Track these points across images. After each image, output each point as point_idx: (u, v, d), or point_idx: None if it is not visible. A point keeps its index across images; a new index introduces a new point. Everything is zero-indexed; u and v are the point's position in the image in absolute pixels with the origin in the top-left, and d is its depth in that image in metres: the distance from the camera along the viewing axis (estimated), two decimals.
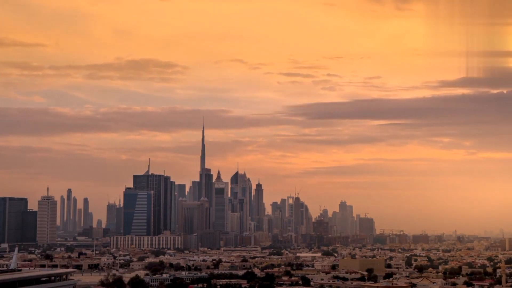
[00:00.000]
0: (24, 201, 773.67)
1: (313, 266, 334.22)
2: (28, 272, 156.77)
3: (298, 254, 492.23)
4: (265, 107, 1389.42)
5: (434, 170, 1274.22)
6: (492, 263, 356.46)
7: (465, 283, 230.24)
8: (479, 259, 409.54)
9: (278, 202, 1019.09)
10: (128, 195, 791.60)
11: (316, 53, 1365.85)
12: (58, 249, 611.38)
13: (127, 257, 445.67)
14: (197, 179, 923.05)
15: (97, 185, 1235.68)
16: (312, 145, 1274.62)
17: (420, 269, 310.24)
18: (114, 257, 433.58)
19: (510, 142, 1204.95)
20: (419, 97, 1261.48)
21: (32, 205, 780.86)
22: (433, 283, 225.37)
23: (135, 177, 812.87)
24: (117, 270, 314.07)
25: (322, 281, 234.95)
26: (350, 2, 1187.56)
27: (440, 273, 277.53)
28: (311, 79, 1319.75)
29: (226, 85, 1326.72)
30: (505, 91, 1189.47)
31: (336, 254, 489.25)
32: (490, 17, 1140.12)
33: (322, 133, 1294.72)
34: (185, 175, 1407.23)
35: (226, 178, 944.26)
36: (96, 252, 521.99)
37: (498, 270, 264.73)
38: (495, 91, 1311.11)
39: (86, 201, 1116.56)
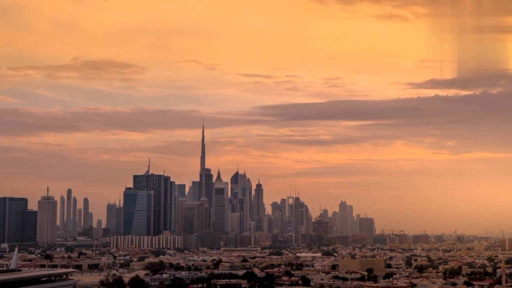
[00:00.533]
0: (24, 201, 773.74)
1: (313, 266, 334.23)
2: (28, 272, 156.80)
3: (298, 254, 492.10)
4: (233, 106, 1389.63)
5: (420, 170, 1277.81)
6: (492, 263, 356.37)
7: (465, 283, 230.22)
8: (479, 259, 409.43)
9: (278, 202, 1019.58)
10: (128, 195, 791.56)
11: (274, 54, 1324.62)
12: (58, 249, 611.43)
13: (127, 257, 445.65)
14: (196, 179, 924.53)
15: (80, 185, 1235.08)
16: (292, 145, 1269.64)
17: (420, 269, 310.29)
18: (114, 257, 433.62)
19: (492, 142, 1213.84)
20: (393, 98, 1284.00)
21: (32, 205, 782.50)
22: (433, 283, 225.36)
23: (135, 177, 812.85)
24: (117, 270, 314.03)
25: (322, 281, 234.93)
26: (304, 2, 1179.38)
27: (440, 273, 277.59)
28: (272, 80, 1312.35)
29: (189, 84, 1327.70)
30: (478, 93, 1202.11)
31: (336, 254, 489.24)
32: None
33: (299, 133, 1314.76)
34: (185, 175, 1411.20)
35: (226, 178, 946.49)
36: (96, 252, 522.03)
37: (498, 270, 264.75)
38: (466, 93, 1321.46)
39: (86, 201, 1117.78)
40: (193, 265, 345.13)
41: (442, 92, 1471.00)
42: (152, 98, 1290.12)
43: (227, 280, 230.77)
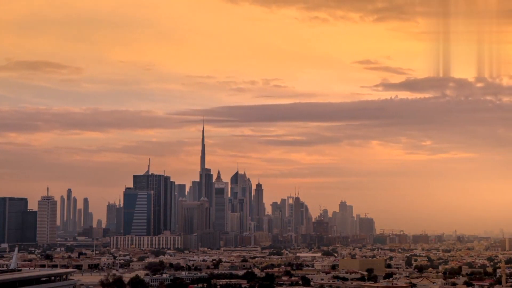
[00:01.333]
0: (24, 201, 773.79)
1: (313, 266, 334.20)
2: (28, 272, 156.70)
3: (298, 254, 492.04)
4: (184, 106, 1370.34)
5: (398, 170, 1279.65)
6: (492, 263, 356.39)
7: (465, 283, 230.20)
8: (479, 259, 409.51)
9: (278, 202, 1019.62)
10: (128, 195, 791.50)
11: (212, 55, 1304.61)
12: (58, 249, 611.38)
13: (127, 257, 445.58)
14: (197, 179, 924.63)
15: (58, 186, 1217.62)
16: (260, 145, 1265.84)
17: (420, 269, 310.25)
18: (114, 257, 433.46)
19: (460, 142, 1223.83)
20: (354, 100, 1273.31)
21: (32, 205, 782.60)
22: (433, 283, 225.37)
23: (135, 177, 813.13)
24: (117, 270, 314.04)
25: (322, 281, 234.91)
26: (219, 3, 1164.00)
27: (440, 273, 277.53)
28: (214, 80, 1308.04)
29: (132, 83, 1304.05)
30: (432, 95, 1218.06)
31: (336, 254, 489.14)
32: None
33: (266, 133, 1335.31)
34: (186, 175, 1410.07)
35: (226, 178, 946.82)
36: (96, 252, 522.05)
37: (498, 270, 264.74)
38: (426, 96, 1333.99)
39: (86, 201, 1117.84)
40: (193, 265, 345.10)
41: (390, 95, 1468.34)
42: (102, 97, 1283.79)
43: (227, 280, 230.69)
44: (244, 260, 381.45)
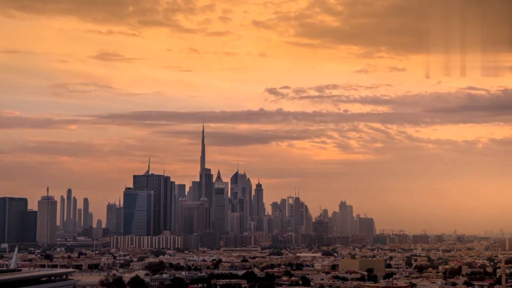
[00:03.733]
0: (24, 201, 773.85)
1: (313, 266, 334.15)
2: (28, 272, 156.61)
3: (298, 254, 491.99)
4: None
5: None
6: (492, 263, 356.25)
7: (465, 283, 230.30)
8: (479, 259, 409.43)
9: (278, 202, 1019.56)
10: (128, 195, 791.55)
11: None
12: (58, 249, 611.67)
13: (127, 257, 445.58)
14: (197, 179, 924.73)
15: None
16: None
17: (420, 269, 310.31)
18: (114, 257, 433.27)
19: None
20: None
21: (32, 205, 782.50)
22: (433, 283, 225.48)
23: (135, 177, 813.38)
24: (117, 270, 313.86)
25: (322, 281, 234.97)
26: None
27: (440, 273, 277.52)
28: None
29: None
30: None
31: (336, 254, 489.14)
32: None
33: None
34: (186, 176, 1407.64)
35: (226, 178, 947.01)
36: (96, 252, 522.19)
37: (498, 270, 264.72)
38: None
39: (86, 201, 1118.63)
40: (193, 265, 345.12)
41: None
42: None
43: (227, 280, 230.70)
44: (244, 260, 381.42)
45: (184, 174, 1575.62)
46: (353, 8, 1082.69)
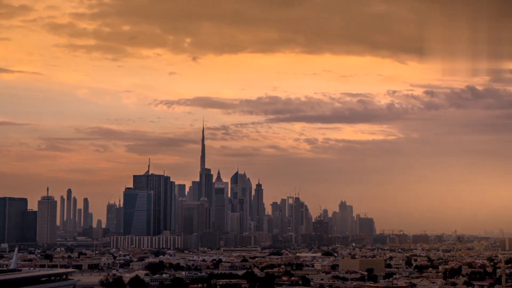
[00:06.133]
0: (24, 201, 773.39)
1: (313, 266, 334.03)
2: (28, 272, 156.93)
3: (298, 254, 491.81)
4: None
5: None
6: (492, 263, 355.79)
7: (465, 283, 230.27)
8: (479, 259, 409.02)
9: (278, 202, 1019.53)
10: (128, 195, 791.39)
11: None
12: (58, 249, 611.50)
13: (127, 257, 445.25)
14: (196, 179, 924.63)
15: None
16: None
17: (420, 269, 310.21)
18: (114, 257, 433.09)
19: None
20: None
21: (32, 205, 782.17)
22: (433, 283, 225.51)
23: (135, 177, 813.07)
24: (117, 270, 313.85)
25: (322, 281, 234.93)
26: None
27: (440, 273, 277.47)
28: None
29: None
30: None
31: (336, 254, 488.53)
32: None
33: None
34: (186, 176, 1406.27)
35: (226, 178, 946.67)
36: (96, 252, 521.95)
37: (498, 270, 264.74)
38: None
39: (86, 201, 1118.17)
40: (193, 265, 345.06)
41: None
42: None
43: (227, 280, 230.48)
44: (244, 260, 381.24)
45: (184, 174, 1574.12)
46: None
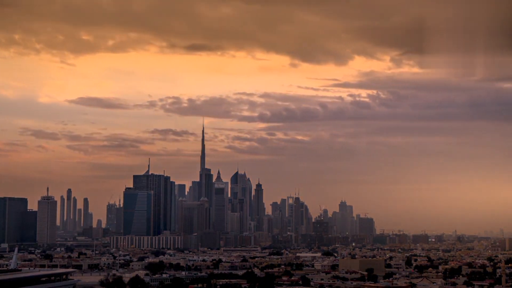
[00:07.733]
0: (24, 201, 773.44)
1: (313, 266, 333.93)
2: (28, 272, 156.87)
3: (298, 254, 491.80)
4: None
5: None
6: (492, 263, 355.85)
7: (465, 283, 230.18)
8: (479, 259, 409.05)
9: (278, 202, 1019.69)
10: (128, 195, 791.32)
11: None
12: (58, 249, 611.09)
13: (127, 257, 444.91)
14: (196, 179, 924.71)
15: None
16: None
17: (420, 269, 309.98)
18: (114, 257, 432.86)
19: None
20: None
21: (32, 205, 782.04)
22: (433, 283, 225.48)
23: (135, 177, 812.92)
24: (117, 270, 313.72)
25: (322, 281, 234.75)
26: None
27: (440, 273, 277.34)
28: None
29: None
30: None
31: (336, 254, 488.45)
32: None
33: None
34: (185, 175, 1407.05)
35: (226, 178, 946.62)
36: (96, 252, 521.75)
37: (498, 270, 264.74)
38: None
39: (86, 201, 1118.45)
40: (193, 265, 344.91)
41: None
42: None
43: (227, 280, 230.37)
44: (244, 260, 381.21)
45: (184, 174, 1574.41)
46: None
